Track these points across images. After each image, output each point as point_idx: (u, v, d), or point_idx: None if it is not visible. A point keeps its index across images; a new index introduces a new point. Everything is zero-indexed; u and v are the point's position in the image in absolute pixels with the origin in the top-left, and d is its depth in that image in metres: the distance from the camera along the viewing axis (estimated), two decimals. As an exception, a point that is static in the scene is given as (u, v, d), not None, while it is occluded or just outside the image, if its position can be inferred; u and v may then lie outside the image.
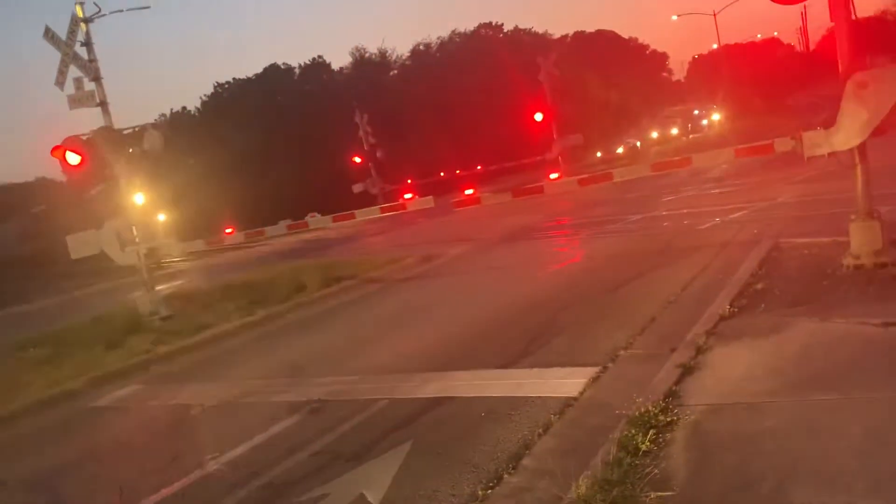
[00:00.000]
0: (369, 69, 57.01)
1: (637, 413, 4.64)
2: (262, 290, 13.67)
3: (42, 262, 29.02)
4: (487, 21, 62.55)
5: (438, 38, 60.92)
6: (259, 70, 55.89)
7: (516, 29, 64.26)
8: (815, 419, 4.25)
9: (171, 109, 58.31)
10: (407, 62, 59.87)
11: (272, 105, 49.90)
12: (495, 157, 38.38)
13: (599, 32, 74.33)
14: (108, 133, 11.88)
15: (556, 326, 7.87)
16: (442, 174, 35.94)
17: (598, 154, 47.93)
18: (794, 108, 48.80)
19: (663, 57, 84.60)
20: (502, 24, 63.36)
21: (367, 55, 58.85)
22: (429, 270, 14.47)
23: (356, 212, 11.91)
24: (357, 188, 34.80)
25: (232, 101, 52.69)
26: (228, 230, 14.85)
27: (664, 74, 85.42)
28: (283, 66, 56.48)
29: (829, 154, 7.31)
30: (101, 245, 12.25)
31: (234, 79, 56.59)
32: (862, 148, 7.17)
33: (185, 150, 41.08)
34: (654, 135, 58.72)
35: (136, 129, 12.51)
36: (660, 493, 3.73)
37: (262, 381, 7.94)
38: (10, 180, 58.28)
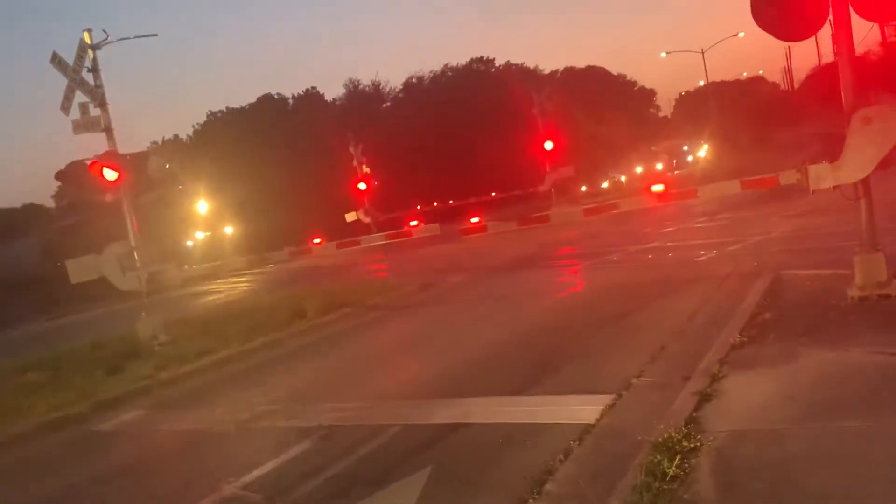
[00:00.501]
0: (363, 100, 57.49)
1: (661, 439, 4.66)
2: (261, 316, 13.65)
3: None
4: (479, 56, 63.32)
5: (431, 72, 61.60)
6: (252, 100, 56.36)
7: (507, 64, 65.15)
8: (839, 446, 4.30)
9: (164, 137, 58.54)
10: (400, 94, 60.44)
11: (265, 134, 50.06)
12: (489, 188, 38.62)
13: (590, 68, 75.44)
14: (114, 157, 11.93)
15: (565, 354, 7.91)
16: (435, 204, 36.12)
17: (584, 188, 48.30)
18: (778, 145, 49.60)
19: (651, 93, 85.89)
20: (494, 59, 64.18)
21: (360, 87, 59.47)
22: (428, 298, 14.50)
23: (361, 238, 11.95)
24: (350, 217, 34.81)
25: (224, 129, 52.84)
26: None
27: (651, 110, 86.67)
28: (276, 97, 56.93)
29: (834, 187, 7.47)
30: (101, 270, 12.19)
31: (227, 108, 56.98)
32: (866, 182, 7.36)
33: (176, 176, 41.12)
34: (639, 170, 59.58)
35: (138, 154, 12.59)
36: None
37: (269, 407, 7.87)
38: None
